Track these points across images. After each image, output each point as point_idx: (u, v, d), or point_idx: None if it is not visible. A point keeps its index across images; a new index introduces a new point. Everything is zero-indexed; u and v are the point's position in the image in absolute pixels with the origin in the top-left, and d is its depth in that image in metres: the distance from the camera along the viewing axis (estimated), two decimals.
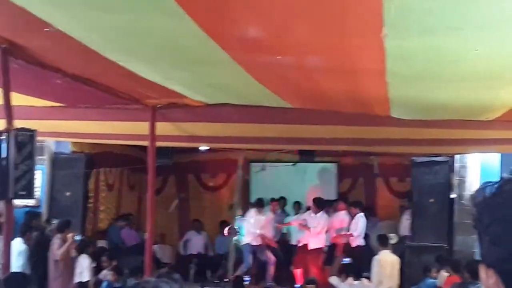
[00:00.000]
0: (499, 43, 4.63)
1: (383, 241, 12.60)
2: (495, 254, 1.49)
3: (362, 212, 15.15)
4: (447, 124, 8.65)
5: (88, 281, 12.11)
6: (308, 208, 16.32)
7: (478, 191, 1.54)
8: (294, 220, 16.42)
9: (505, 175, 1.54)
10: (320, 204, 15.67)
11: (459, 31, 4.32)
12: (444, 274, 11.65)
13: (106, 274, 12.55)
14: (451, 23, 4.18)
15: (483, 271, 1.53)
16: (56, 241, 11.98)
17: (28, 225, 12.72)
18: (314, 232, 15.27)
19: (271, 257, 15.55)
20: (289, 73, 6.07)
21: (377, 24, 4.11)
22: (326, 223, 15.46)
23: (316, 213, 15.42)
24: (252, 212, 15.88)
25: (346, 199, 16.82)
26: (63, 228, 12.14)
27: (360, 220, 15.22)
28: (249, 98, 7.78)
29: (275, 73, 6.16)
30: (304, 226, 15.43)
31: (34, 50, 5.74)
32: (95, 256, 12.95)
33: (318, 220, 15.33)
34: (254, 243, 15.55)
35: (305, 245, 15.41)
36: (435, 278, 11.91)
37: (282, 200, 17.33)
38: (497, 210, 1.49)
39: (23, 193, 9.93)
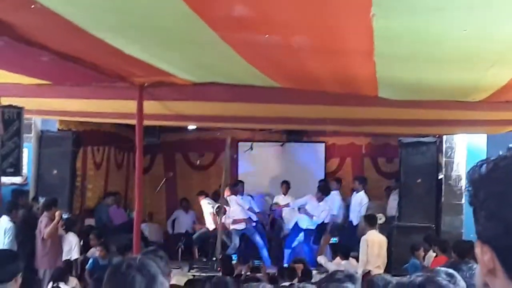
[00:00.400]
0: (484, 24, 4.63)
1: (371, 221, 12.64)
2: (490, 230, 1.51)
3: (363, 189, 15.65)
4: (435, 104, 8.67)
5: (76, 259, 12.13)
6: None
7: (473, 168, 1.56)
8: (293, 203, 16.54)
9: (493, 156, 1.55)
10: (326, 190, 15.78)
11: (443, 11, 4.32)
12: (432, 254, 11.72)
13: (94, 252, 12.57)
14: (435, 3, 4.18)
15: (478, 247, 1.54)
16: (43, 219, 11.98)
17: (15, 203, 12.70)
18: (316, 219, 15.43)
19: (259, 241, 15.64)
20: (277, 52, 6.05)
21: (365, 4, 4.10)
22: (328, 209, 15.64)
23: (319, 200, 15.51)
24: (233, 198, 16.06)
25: (338, 179, 16.99)
26: (50, 206, 12.15)
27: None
28: (237, 77, 7.76)
29: (263, 53, 6.13)
30: (306, 213, 15.58)
31: (20, 27, 5.69)
32: (83, 234, 12.96)
33: (322, 209, 15.44)
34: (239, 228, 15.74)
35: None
36: (421, 258, 11.98)
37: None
38: (492, 186, 1.51)
39: (11, 170, 9.94)
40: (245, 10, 4.78)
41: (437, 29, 4.78)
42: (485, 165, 1.54)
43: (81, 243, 12.74)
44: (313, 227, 15.46)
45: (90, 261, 12.19)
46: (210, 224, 16.50)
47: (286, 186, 17.18)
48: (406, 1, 4.16)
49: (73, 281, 11.19)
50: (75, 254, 12.13)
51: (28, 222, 12.38)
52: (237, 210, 15.87)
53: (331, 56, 6.10)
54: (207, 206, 16.69)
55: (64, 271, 11.17)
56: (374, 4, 4.08)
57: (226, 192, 15.84)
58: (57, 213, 11.98)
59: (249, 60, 6.43)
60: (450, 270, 2.86)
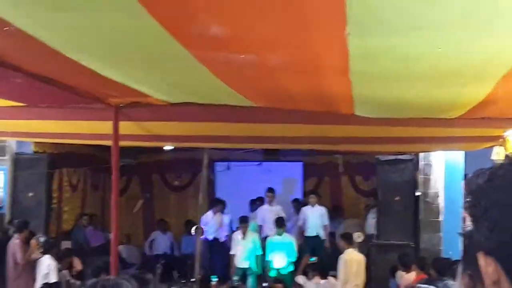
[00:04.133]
0: (459, 42, 4.64)
1: (348, 240, 12.64)
2: (494, 240, 1.49)
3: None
4: (411, 122, 8.69)
5: (55, 282, 12.00)
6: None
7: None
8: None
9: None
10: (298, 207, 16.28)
11: (418, 30, 4.33)
12: (402, 273, 11.71)
13: (65, 275, 12.47)
14: (410, 22, 4.18)
15: (482, 259, 1.52)
16: (15, 241, 11.88)
17: None
18: None
19: None
20: (252, 71, 6.04)
21: (340, 22, 4.09)
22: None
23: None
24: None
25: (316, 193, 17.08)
26: (22, 228, 12.09)
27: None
28: (212, 97, 7.74)
29: (238, 72, 6.11)
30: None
31: None
32: (61, 257, 12.84)
33: None
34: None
35: None
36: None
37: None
38: (493, 195, 1.49)
39: None
40: (219, 29, 4.76)
41: (412, 47, 4.78)
42: (481, 174, 1.52)
43: (59, 265, 12.62)
44: None
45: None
46: None
47: (271, 195, 17.08)
48: (381, 20, 4.16)
49: None
50: (52, 278, 12.01)
51: (4, 245, 12.27)
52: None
53: (307, 75, 6.09)
54: None
55: None
56: (349, 22, 4.07)
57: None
58: (33, 242, 11.91)
59: (224, 80, 6.41)
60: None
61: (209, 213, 16.83)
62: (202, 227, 16.05)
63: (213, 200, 17.30)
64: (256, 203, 17.65)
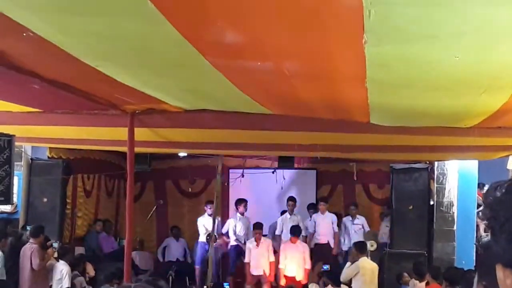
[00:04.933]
0: (476, 50, 4.63)
1: (361, 249, 12.59)
2: None
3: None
4: (427, 131, 8.67)
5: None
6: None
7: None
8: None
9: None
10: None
11: (435, 38, 4.31)
12: (415, 282, 11.68)
13: (81, 281, 12.48)
14: (428, 31, 4.17)
15: (500, 271, 1.50)
16: (32, 246, 11.90)
17: (4, 232, 12.62)
18: None
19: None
20: (268, 79, 6.04)
21: (357, 31, 4.08)
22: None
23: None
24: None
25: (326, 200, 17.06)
26: (38, 233, 12.09)
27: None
28: (228, 104, 7.75)
29: (254, 79, 6.12)
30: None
31: (11, 54, 5.67)
32: (74, 263, 12.86)
33: None
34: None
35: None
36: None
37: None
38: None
39: (1, 198, 9.88)
40: (236, 36, 4.77)
41: (429, 56, 4.77)
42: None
43: (72, 272, 12.64)
44: None
45: None
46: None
47: (292, 203, 16.96)
48: (398, 29, 4.15)
49: None
50: (66, 283, 12.02)
51: (17, 250, 12.30)
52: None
53: (323, 82, 6.09)
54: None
55: None
56: (366, 31, 4.07)
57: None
58: (49, 251, 11.97)
59: (240, 87, 6.42)
60: None
61: (236, 216, 16.89)
62: (222, 233, 16.07)
63: (238, 201, 17.20)
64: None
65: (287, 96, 6.98)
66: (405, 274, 12.41)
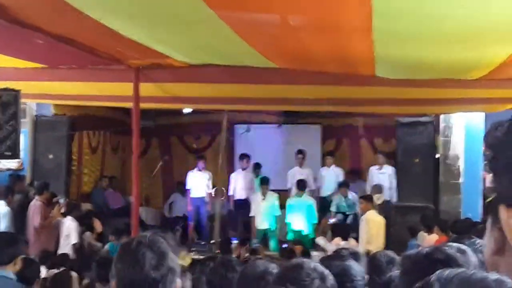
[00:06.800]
0: (484, 1, 4.58)
1: (369, 201, 12.61)
2: None
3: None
4: (432, 83, 8.62)
5: (74, 243, 12.07)
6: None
7: (489, 133, 1.51)
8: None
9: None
10: None
11: None
12: (424, 234, 11.70)
13: (89, 236, 12.54)
14: None
15: (503, 211, 1.48)
16: (36, 203, 11.96)
17: (11, 188, 12.67)
18: None
19: None
20: (274, 31, 6.01)
21: None
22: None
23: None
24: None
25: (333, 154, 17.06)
26: (42, 190, 12.14)
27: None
28: (233, 58, 7.71)
29: (260, 32, 6.09)
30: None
31: (13, 8, 5.63)
32: (81, 219, 12.91)
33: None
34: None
35: None
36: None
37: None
38: None
39: (9, 153, 9.90)
40: None
41: (437, 6, 4.72)
42: (499, 127, 1.48)
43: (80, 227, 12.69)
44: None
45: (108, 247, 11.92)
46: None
47: (302, 156, 16.95)
48: None
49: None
50: (73, 239, 12.07)
51: (25, 207, 12.36)
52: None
53: (329, 34, 6.04)
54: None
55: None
56: None
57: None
58: (56, 207, 12.04)
59: (246, 39, 6.38)
60: (463, 246, 2.82)
61: (238, 171, 16.97)
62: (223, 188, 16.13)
63: (241, 156, 17.25)
64: None
65: (293, 49, 6.94)
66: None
